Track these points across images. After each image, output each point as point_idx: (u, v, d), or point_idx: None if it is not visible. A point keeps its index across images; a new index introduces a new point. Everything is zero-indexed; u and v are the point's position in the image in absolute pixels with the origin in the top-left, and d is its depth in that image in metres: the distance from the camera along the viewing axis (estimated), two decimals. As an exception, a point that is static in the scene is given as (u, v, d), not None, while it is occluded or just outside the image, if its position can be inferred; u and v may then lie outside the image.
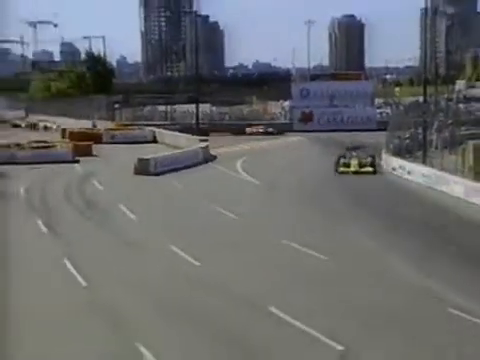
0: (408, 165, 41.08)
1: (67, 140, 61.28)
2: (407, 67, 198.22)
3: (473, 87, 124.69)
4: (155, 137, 66.48)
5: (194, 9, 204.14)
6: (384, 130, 48.98)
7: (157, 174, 43.01)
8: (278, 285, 19.78)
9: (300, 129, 74.07)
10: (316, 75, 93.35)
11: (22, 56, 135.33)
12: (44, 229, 27.74)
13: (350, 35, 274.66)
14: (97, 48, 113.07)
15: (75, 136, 62.79)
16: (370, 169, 42.27)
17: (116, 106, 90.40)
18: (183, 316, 17.21)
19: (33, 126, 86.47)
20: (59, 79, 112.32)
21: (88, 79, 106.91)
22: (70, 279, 20.43)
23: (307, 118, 77.89)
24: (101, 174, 43.95)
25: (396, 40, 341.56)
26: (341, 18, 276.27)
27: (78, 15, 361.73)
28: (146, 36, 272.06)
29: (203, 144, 53.96)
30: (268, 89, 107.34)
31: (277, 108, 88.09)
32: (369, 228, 27.65)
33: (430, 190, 36.26)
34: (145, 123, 76.44)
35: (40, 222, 28.83)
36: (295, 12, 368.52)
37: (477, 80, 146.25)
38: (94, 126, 76.51)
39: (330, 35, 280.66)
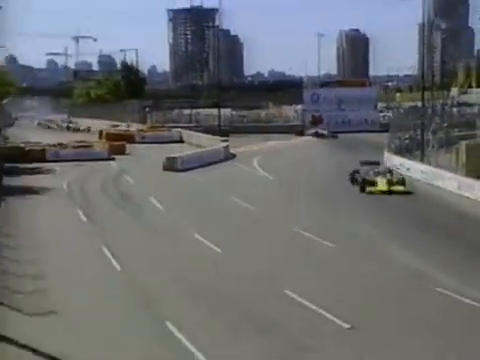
0: (408, 163, 40.89)
1: (104, 140, 61.49)
2: (406, 75, 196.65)
3: (465, 93, 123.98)
4: (182, 137, 66.40)
5: (216, 24, 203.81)
6: (386, 131, 48.85)
7: (183, 170, 42.97)
8: (290, 268, 19.77)
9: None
10: (325, 82, 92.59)
11: (65, 67, 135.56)
12: (84, 218, 27.85)
13: (356, 47, 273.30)
14: (131, 59, 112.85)
15: (111, 137, 63.01)
16: (401, 188, 33.46)
17: (147, 110, 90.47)
18: (206, 296, 17.24)
19: (75, 128, 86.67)
20: (97, 86, 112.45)
21: (123, 86, 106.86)
22: (106, 262, 20.51)
23: (317, 121, 77.58)
24: (133, 170, 44.00)
25: (397, 51, 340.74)
26: (348, 32, 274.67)
27: (115, 30, 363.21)
28: (174, 48, 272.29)
29: (224, 144, 53.89)
30: (282, 95, 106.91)
31: (290, 112, 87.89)
32: (371, 218, 27.54)
33: (427, 185, 36.09)
34: (173, 125, 76.29)
35: (80, 212, 28.97)
36: (307, 26, 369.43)
37: (469, 87, 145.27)
38: (127, 128, 76.58)
39: (338, 47, 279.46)
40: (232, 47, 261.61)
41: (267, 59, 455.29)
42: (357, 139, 63.03)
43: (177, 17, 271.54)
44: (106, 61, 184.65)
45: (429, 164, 38.51)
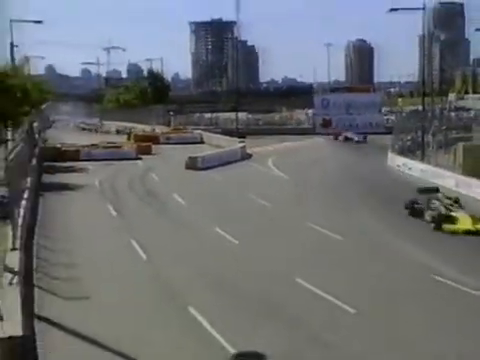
0: (409, 162, 40.70)
1: (132, 141, 61.55)
2: (407, 82, 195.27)
3: (462, 99, 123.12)
4: (202, 139, 66.18)
5: (235, 35, 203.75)
6: (390, 133, 48.68)
7: (204, 169, 42.81)
8: (303, 260, 19.64)
9: (322, 132, 73.14)
10: (334, 88, 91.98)
11: (98, 75, 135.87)
12: (114, 213, 27.83)
13: (362, 56, 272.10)
14: (156, 67, 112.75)
15: (138, 138, 63.01)
16: None
17: (171, 114, 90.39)
18: (226, 285, 17.17)
19: (105, 131, 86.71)
20: (126, 92, 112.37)
21: (149, 92, 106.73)
22: (133, 254, 20.48)
23: (327, 124, 77.17)
24: (158, 169, 43.93)
25: (399, 60, 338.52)
26: (355, 42, 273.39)
27: (142, 41, 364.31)
28: (196, 57, 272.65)
29: (241, 145, 53.69)
30: (295, 100, 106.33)
31: (302, 115, 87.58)
32: (378, 213, 27.30)
33: (427, 183, 35.79)
34: (194, 127, 76.24)
35: (111, 207, 28.96)
36: (317, 37, 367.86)
37: (465, 93, 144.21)
38: (153, 130, 76.62)
39: (346, 55, 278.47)
40: (249, 56, 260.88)
41: (280, 67, 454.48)
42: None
43: (199, 29, 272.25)
44: (134, 69, 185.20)
45: (429, 163, 38.34)
